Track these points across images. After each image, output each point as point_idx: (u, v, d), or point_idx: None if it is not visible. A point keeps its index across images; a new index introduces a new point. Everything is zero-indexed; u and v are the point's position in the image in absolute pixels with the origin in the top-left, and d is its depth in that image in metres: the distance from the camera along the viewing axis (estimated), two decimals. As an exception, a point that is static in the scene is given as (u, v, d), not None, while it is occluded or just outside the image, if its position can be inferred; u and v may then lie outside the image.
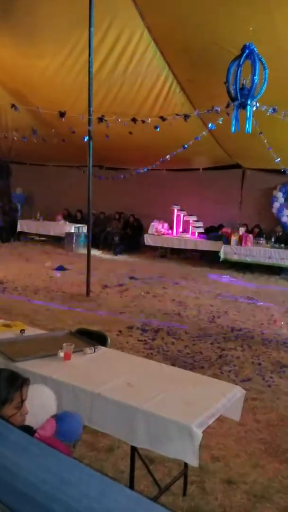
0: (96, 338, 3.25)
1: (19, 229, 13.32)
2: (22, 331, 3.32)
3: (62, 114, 7.75)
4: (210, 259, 10.69)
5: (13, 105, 8.27)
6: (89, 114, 7.12)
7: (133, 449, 2.45)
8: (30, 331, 3.38)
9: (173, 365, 4.16)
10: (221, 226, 11.19)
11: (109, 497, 0.77)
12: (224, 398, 2.47)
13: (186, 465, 2.69)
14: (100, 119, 7.59)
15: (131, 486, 2.48)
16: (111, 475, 2.82)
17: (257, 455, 3.15)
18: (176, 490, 2.73)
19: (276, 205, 10.89)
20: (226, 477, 2.89)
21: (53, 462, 0.87)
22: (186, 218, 11.51)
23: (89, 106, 7.10)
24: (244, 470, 2.98)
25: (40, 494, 0.78)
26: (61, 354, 2.85)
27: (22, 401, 2.05)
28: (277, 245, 10.07)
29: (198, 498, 2.69)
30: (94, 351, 2.99)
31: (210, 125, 7.17)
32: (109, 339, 3.36)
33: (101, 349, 3.06)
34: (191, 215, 11.50)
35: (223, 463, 3.04)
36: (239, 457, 3.12)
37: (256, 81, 5.59)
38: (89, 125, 7.18)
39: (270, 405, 3.90)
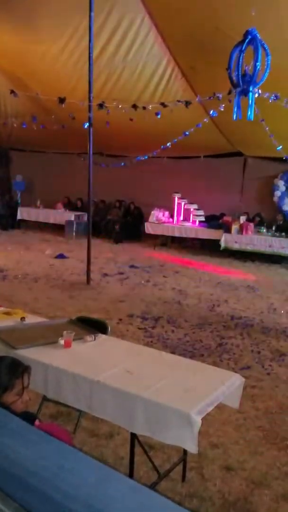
0: (97, 326, 3.26)
1: (19, 217, 13.28)
2: (23, 318, 3.32)
3: (61, 100, 7.66)
4: (210, 248, 10.68)
5: (12, 91, 8.18)
6: (90, 101, 7.05)
7: (133, 436, 2.47)
8: (31, 319, 3.38)
9: (173, 353, 4.18)
10: (222, 215, 11.16)
11: (107, 485, 0.77)
12: (223, 385, 2.48)
13: (185, 451, 2.71)
14: (101, 106, 7.50)
15: (131, 472, 2.51)
16: (111, 461, 2.85)
17: (255, 442, 3.18)
18: (175, 476, 2.76)
19: (277, 193, 10.83)
20: (224, 463, 2.92)
21: (51, 449, 0.88)
22: (187, 206, 11.46)
23: (90, 92, 7.03)
24: (242, 457, 3.01)
25: (39, 482, 0.78)
26: (62, 341, 2.86)
27: (23, 388, 2.06)
28: (278, 234, 10.04)
29: (197, 484, 2.72)
30: (95, 339, 3.00)
31: (211, 112, 7.09)
32: (109, 327, 3.37)
33: (102, 337, 3.07)
34: (192, 203, 11.45)
35: (222, 450, 3.06)
36: (237, 444, 3.15)
37: (258, 67, 5.51)
38: (89, 111, 7.11)
39: (269, 393, 3.92)
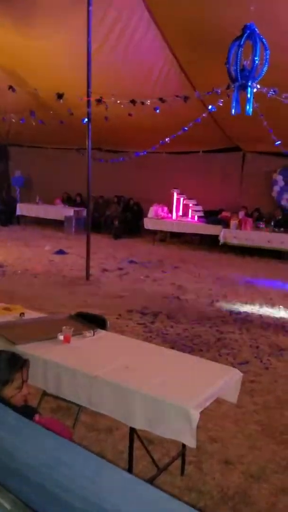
0: (96, 322, 3.27)
1: (18, 212, 13.27)
2: (22, 314, 3.33)
3: (60, 96, 7.63)
4: (209, 243, 10.69)
5: (10, 87, 8.15)
6: (88, 96, 7.03)
7: (132, 430, 2.48)
8: (30, 315, 3.39)
9: (172, 348, 4.19)
10: (221, 210, 11.15)
11: (104, 478, 0.78)
12: (222, 380, 2.49)
13: (184, 446, 2.72)
14: (99, 101, 7.48)
15: (130, 466, 2.53)
16: (111, 456, 2.87)
17: (254, 437, 3.20)
18: (174, 470, 2.77)
19: (276, 188, 10.83)
20: (223, 457, 2.94)
21: (49, 443, 0.89)
22: (186, 201, 11.46)
23: (88, 87, 7.00)
24: (241, 451, 3.03)
25: (35, 474, 0.79)
26: (61, 337, 2.87)
27: (23, 382, 2.08)
28: (276, 229, 10.05)
29: (195, 478, 2.74)
30: (94, 334, 3.01)
31: (210, 107, 7.08)
32: (108, 322, 3.38)
33: (101, 332, 3.08)
34: (190, 198, 11.44)
35: (220, 444, 3.08)
36: (236, 438, 3.17)
37: (257, 62, 5.48)
38: (88, 106, 7.09)
39: (267, 388, 3.94)
